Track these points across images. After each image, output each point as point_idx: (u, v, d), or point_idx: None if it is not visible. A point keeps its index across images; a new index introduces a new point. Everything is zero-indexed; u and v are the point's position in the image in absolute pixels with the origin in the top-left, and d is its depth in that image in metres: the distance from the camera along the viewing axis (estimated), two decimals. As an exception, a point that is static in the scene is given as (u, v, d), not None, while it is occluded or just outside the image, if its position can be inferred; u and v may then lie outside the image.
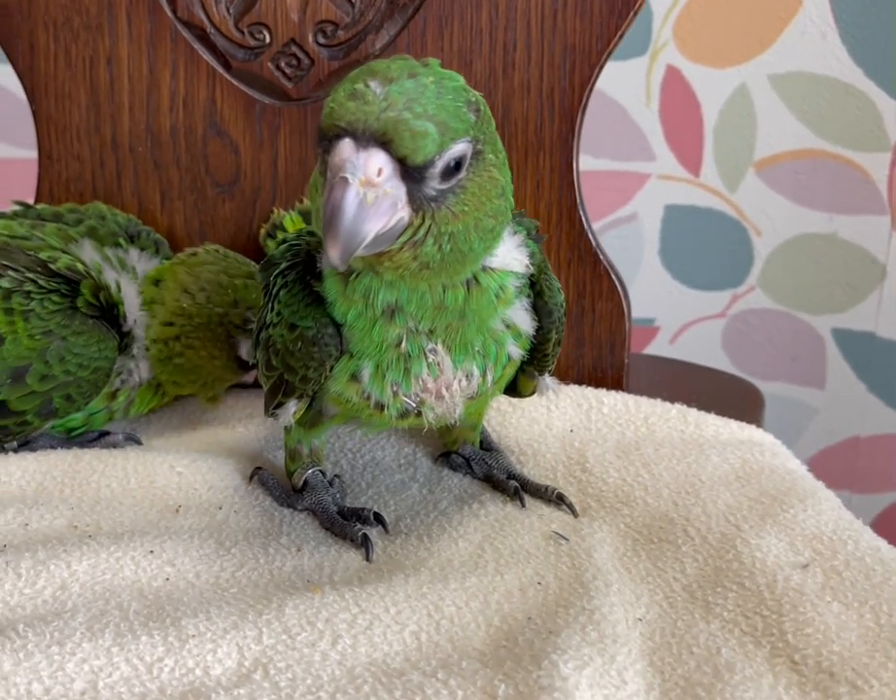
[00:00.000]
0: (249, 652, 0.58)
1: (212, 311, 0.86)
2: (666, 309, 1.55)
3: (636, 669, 0.57)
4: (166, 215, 1.00)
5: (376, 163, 0.55)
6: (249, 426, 0.94)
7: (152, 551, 0.69)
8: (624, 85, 1.43)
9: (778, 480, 0.80)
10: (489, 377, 0.70)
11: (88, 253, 0.88)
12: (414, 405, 0.69)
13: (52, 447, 0.87)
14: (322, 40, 0.96)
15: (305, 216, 0.98)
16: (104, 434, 0.89)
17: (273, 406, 0.73)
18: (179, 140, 0.98)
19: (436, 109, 0.56)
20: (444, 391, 0.68)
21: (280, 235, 0.96)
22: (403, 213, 0.57)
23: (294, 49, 0.96)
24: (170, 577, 0.67)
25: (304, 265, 0.70)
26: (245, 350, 0.88)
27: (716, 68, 1.43)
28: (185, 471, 0.82)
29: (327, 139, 0.57)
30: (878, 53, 1.39)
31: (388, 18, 0.96)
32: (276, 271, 0.72)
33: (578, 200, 0.96)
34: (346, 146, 0.55)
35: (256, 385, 0.93)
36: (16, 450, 0.86)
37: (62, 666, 0.57)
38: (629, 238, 1.52)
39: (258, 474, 0.82)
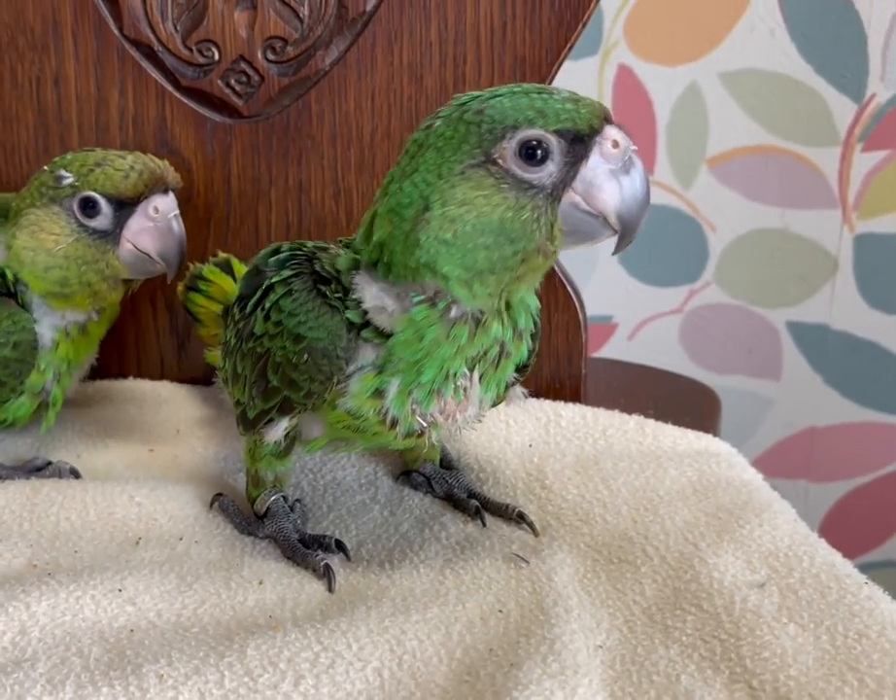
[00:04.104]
0: (211, 698, 0.58)
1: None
2: (623, 306, 1.56)
3: (597, 701, 0.58)
4: (118, 236, 0.98)
5: None
6: (209, 446, 0.93)
7: (114, 590, 0.68)
8: (576, 84, 1.38)
9: (735, 493, 0.81)
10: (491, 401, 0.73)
11: None
12: (425, 425, 0.69)
13: (0, 477, 0.86)
14: (271, 56, 0.95)
15: (222, 267, 0.95)
16: (49, 463, 0.88)
17: (263, 423, 0.72)
18: (129, 160, 0.97)
19: None
20: (458, 415, 0.69)
21: (202, 286, 0.94)
22: None
23: (244, 66, 0.95)
24: (131, 617, 0.67)
25: (315, 276, 0.69)
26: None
27: (667, 66, 1.43)
28: (144, 501, 0.81)
29: (579, 137, 0.62)
30: (826, 49, 1.39)
31: (337, 34, 0.95)
32: (274, 279, 0.70)
33: (533, 214, 0.96)
34: (616, 130, 0.62)
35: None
36: None
37: (22, 724, 0.56)
38: (585, 236, 1.52)
39: (219, 501, 0.82)
